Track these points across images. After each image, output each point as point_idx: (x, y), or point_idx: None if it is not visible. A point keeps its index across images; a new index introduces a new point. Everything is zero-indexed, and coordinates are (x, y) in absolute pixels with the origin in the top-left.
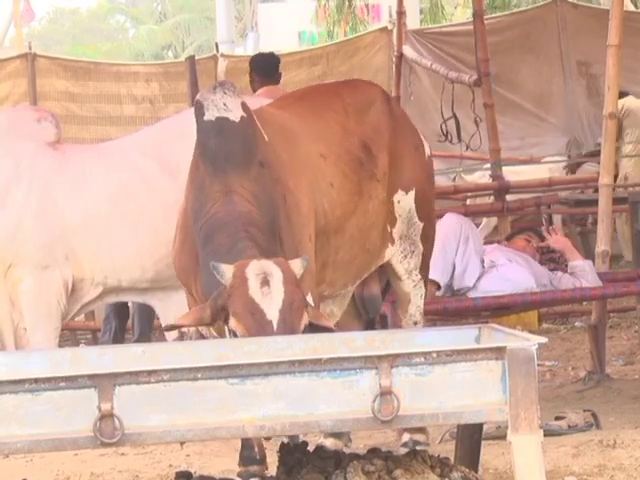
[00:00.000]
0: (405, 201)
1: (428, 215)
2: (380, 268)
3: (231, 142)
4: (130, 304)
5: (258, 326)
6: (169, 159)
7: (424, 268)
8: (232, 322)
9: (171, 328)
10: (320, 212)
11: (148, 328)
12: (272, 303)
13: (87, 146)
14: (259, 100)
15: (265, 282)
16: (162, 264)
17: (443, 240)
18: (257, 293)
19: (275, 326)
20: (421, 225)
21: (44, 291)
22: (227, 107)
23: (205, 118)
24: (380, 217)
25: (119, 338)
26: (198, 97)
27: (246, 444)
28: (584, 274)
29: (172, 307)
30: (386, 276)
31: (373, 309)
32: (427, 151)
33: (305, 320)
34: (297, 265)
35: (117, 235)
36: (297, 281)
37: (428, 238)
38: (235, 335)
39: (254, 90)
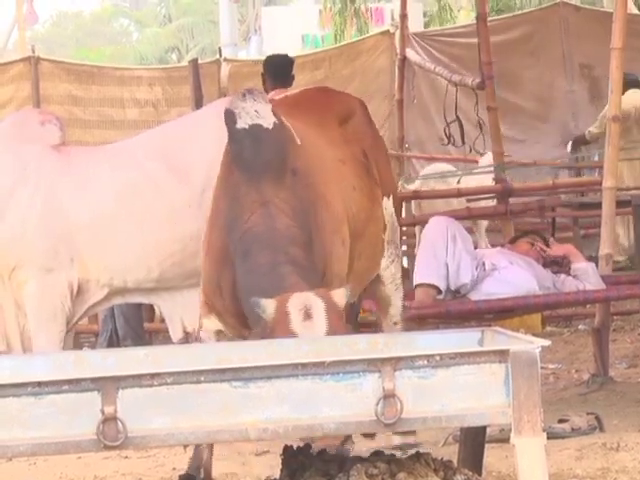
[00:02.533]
0: (389, 207)
1: (399, 219)
2: None
3: (266, 150)
4: (115, 309)
5: None
6: (175, 160)
7: (402, 270)
8: None
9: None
10: (349, 215)
11: (134, 332)
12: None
13: (92, 148)
14: None
15: (308, 316)
16: (167, 264)
17: (432, 243)
18: (299, 327)
19: None
20: (398, 229)
21: (48, 294)
22: (259, 114)
23: (238, 126)
24: (382, 224)
25: (115, 340)
26: (228, 105)
27: (194, 462)
28: (587, 277)
29: (178, 308)
30: None
31: (352, 313)
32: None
33: None
34: (340, 295)
35: (123, 236)
36: (340, 313)
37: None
38: None
39: (266, 92)
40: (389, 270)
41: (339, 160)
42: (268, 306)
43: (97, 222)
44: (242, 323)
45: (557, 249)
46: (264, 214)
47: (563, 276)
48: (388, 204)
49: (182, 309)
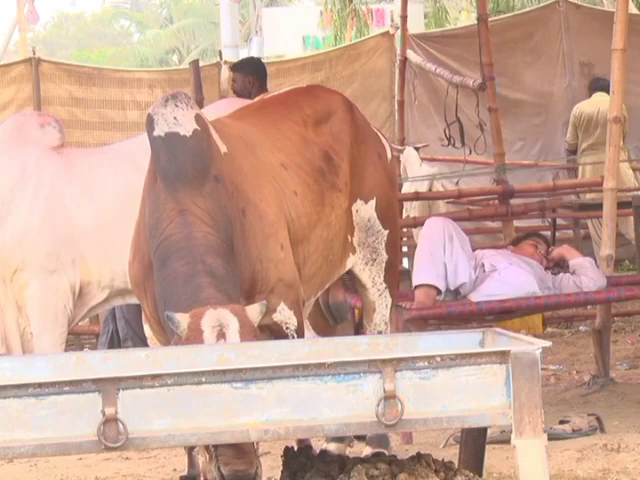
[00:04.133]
0: (364, 210)
1: (393, 222)
2: (347, 275)
3: (182, 158)
4: (117, 310)
5: None
6: None
7: (391, 277)
8: None
9: None
10: (288, 220)
11: (135, 333)
12: None
13: (91, 149)
14: (219, 108)
15: (221, 334)
16: None
17: (428, 244)
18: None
19: None
20: (386, 233)
21: (50, 295)
22: (177, 121)
23: (155, 134)
24: (342, 227)
25: (115, 341)
26: (150, 110)
27: (192, 466)
28: (585, 270)
29: None
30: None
31: (340, 316)
32: (389, 154)
33: None
34: (255, 311)
35: (124, 237)
36: (255, 330)
37: (394, 245)
38: None
39: (252, 95)
40: (365, 273)
41: (280, 164)
42: (182, 321)
43: (99, 223)
44: (165, 330)
45: (556, 254)
46: (181, 222)
47: (561, 274)
48: (363, 207)
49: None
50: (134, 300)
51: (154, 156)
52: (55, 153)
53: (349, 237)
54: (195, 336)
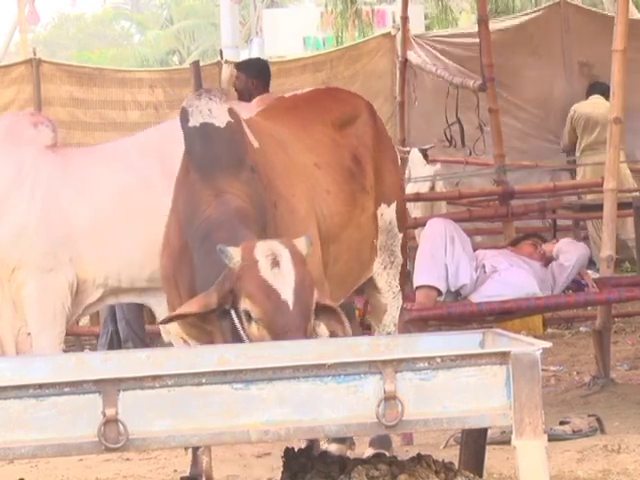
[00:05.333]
0: (387, 214)
1: (405, 225)
2: None
3: (217, 147)
4: (117, 311)
5: (275, 307)
6: (166, 160)
7: (403, 279)
8: (246, 304)
9: (173, 319)
10: (320, 218)
11: (136, 334)
12: (285, 283)
13: (86, 148)
14: (250, 107)
15: (275, 263)
16: (157, 263)
17: (430, 245)
18: (269, 274)
19: (291, 305)
20: (401, 236)
21: (49, 294)
22: (212, 113)
23: (190, 124)
24: (371, 230)
25: (115, 342)
26: (183, 103)
27: (195, 465)
28: (562, 251)
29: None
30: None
31: (347, 316)
32: (398, 159)
33: (315, 298)
34: (302, 243)
35: (118, 236)
36: (304, 260)
37: (405, 247)
38: (248, 316)
39: (252, 96)
40: (382, 277)
41: (314, 164)
42: (235, 253)
43: (95, 222)
44: (201, 319)
45: (549, 247)
46: (219, 202)
47: (548, 266)
48: (387, 211)
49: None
50: (128, 299)
51: (188, 147)
52: (50, 152)
53: (375, 241)
54: (250, 266)
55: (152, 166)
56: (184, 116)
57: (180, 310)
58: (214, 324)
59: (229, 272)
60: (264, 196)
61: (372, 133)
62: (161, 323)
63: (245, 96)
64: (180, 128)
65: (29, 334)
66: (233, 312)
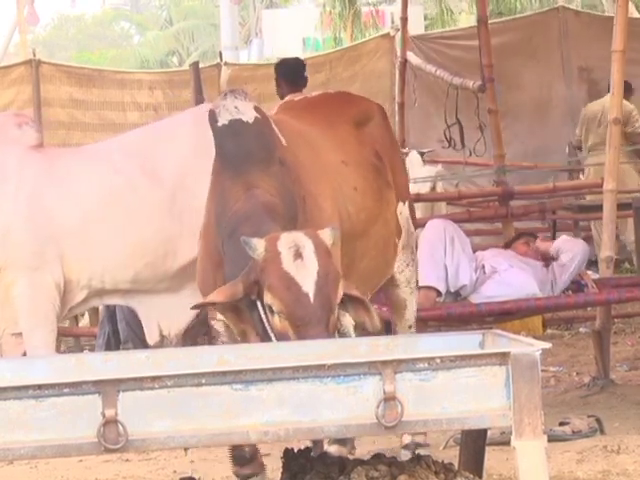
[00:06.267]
0: (405, 212)
1: (415, 224)
2: None
3: (247, 142)
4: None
5: (295, 299)
6: (148, 162)
7: (416, 275)
8: (268, 297)
9: (201, 306)
10: (345, 216)
11: (135, 335)
12: (307, 275)
13: (71, 149)
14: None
15: (298, 254)
16: (140, 264)
17: (430, 246)
18: (291, 266)
19: (312, 298)
20: (415, 234)
21: (39, 293)
22: (239, 110)
23: (219, 124)
24: (395, 226)
25: (112, 343)
26: (210, 106)
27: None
28: (562, 252)
29: (154, 311)
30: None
31: None
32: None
33: (340, 291)
34: (327, 235)
35: (102, 236)
36: (329, 252)
37: (416, 245)
38: (271, 308)
39: (281, 97)
40: (404, 274)
41: (341, 161)
42: (258, 245)
43: (78, 222)
44: (237, 317)
45: (546, 245)
46: (248, 197)
47: (549, 267)
48: (404, 209)
49: (158, 312)
50: (112, 301)
51: (218, 146)
52: (35, 152)
53: (396, 239)
54: (273, 258)
55: (136, 167)
56: (212, 117)
57: (209, 298)
58: (245, 316)
59: (254, 263)
60: (293, 190)
61: (385, 134)
62: (194, 308)
63: (278, 94)
64: (160, 131)
65: (13, 335)
66: (259, 304)
